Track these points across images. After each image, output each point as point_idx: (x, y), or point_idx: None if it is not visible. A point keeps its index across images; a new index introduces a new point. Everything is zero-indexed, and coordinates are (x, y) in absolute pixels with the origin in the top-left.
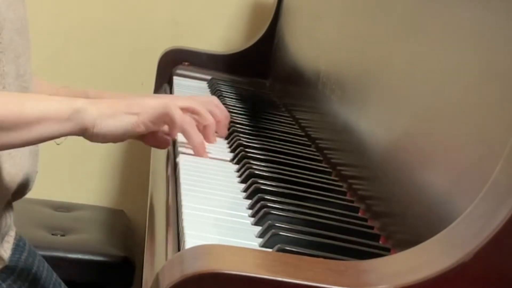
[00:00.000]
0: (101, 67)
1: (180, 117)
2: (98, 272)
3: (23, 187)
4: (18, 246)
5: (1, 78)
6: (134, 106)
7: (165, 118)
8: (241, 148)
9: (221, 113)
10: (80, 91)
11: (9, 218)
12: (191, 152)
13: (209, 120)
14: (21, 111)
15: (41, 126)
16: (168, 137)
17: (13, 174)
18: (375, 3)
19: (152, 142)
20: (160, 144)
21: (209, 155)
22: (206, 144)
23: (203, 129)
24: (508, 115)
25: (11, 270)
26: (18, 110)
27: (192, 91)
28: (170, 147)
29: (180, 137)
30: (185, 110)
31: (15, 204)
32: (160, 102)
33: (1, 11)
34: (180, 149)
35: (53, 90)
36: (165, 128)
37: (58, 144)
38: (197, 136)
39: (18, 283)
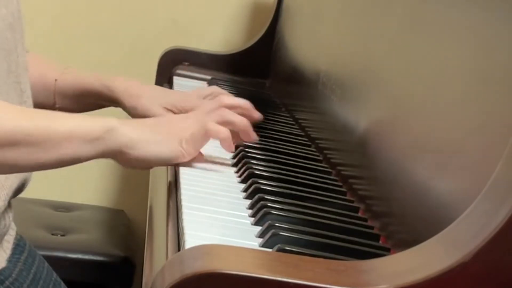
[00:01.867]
0: (101, 67)
1: (225, 133)
2: (98, 272)
3: (24, 180)
4: (18, 246)
5: None
6: (176, 132)
7: (208, 139)
8: (241, 148)
9: (242, 103)
10: (89, 74)
11: (9, 218)
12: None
13: (244, 124)
14: (50, 127)
15: (70, 145)
16: None
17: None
18: (375, 3)
19: None
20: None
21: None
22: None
23: (246, 115)
24: (508, 115)
25: (11, 269)
26: (47, 125)
27: None
28: None
29: None
30: (220, 123)
31: (15, 204)
32: (199, 126)
33: None
34: None
35: (57, 72)
36: None
37: None
38: (245, 128)
39: (18, 283)
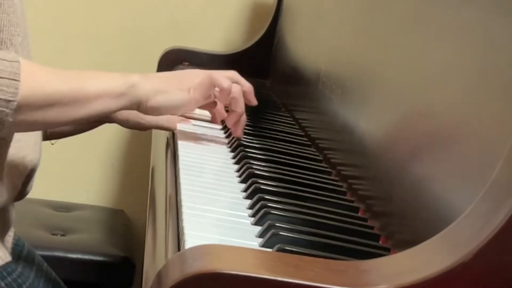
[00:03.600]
0: (101, 67)
1: (229, 85)
2: (98, 272)
3: (29, 177)
4: (17, 245)
5: (16, 27)
6: (185, 82)
7: (213, 89)
8: (241, 148)
9: (247, 85)
10: None
11: (11, 215)
12: (191, 154)
13: (248, 85)
14: (82, 88)
15: (100, 102)
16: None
17: (22, 166)
18: (375, 3)
19: (208, 108)
20: (214, 109)
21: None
22: (206, 144)
23: (245, 95)
24: (508, 115)
25: (11, 269)
26: (79, 87)
27: None
28: (170, 147)
29: (179, 136)
30: (228, 79)
31: (15, 204)
32: (206, 75)
33: None
34: (180, 148)
35: None
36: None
37: (52, 144)
38: (242, 106)
39: (24, 277)
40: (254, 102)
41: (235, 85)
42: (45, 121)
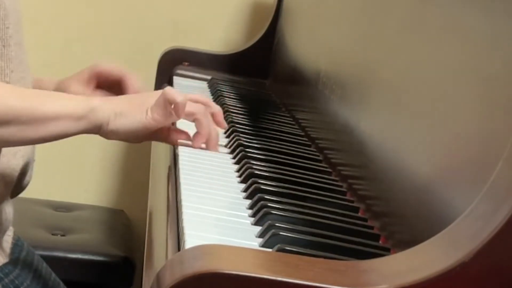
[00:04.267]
0: None
1: (183, 99)
2: (98, 272)
3: (23, 174)
4: (17, 245)
5: (9, 62)
6: (145, 103)
7: (169, 106)
8: (241, 148)
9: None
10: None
11: (10, 214)
12: (191, 154)
13: (216, 107)
14: (41, 107)
15: (58, 123)
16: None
17: (14, 162)
18: (375, 3)
19: (169, 138)
20: (177, 135)
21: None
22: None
23: (213, 117)
24: (508, 115)
25: (8, 270)
26: (37, 106)
27: (192, 91)
28: (170, 147)
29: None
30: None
31: (15, 204)
32: (159, 92)
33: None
34: (180, 148)
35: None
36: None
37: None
38: (208, 124)
39: (22, 278)
40: (223, 125)
41: (196, 105)
42: (0, 139)
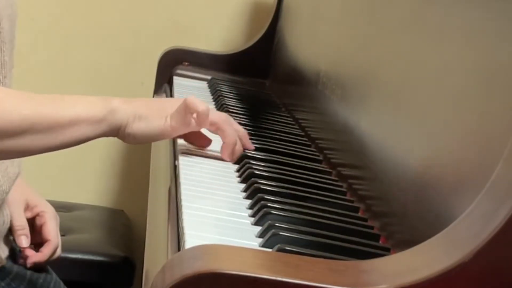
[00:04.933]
0: (101, 67)
1: (205, 108)
2: (98, 272)
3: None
4: (17, 246)
5: (2, 68)
6: (164, 110)
7: (190, 115)
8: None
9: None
10: None
11: (7, 215)
12: (191, 154)
13: (243, 131)
14: (56, 114)
15: (76, 128)
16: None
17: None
18: (375, 3)
19: (193, 140)
20: (200, 142)
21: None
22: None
23: (240, 140)
24: (508, 115)
25: (4, 273)
26: (52, 113)
27: (192, 91)
28: (170, 147)
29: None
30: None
31: None
32: (181, 99)
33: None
34: (179, 148)
35: None
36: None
37: None
38: (233, 133)
39: (18, 280)
40: (250, 147)
41: (219, 113)
42: (18, 150)
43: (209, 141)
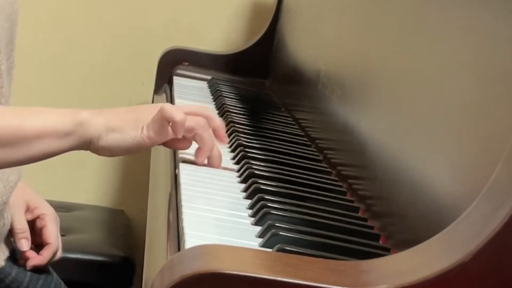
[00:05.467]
0: (101, 67)
1: (182, 118)
2: (98, 272)
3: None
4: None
5: None
6: (140, 119)
7: (167, 124)
8: (241, 148)
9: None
10: None
11: (8, 217)
12: (191, 154)
13: (217, 120)
14: (19, 126)
15: (42, 142)
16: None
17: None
18: (375, 3)
19: (171, 145)
20: (179, 145)
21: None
22: None
23: (214, 132)
24: (508, 115)
25: (3, 275)
26: (15, 125)
27: (192, 91)
28: None
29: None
30: (188, 113)
31: None
32: (156, 107)
33: None
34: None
35: None
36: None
37: None
38: (210, 139)
39: (17, 282)
40: (225, 140)
41: (196, 118)
42: None
43: (189, 143)
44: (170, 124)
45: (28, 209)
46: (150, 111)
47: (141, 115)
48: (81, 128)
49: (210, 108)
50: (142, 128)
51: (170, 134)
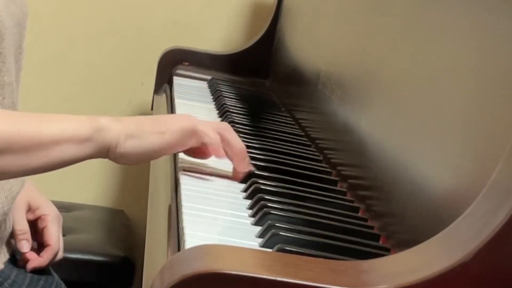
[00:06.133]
0: (101, 67)
1: (209, 138)
2: (98, 272)
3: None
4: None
5: (0, 88)
6: (161, 125)
7: (192, 141)
8: None
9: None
10: None
11: (9, 221)
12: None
13: (240, 146)
14: (37, 132)
15: (60, 149)
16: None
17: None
18: (375, 3)
19: (192, 153)
20: (199, 155)
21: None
22: None
23: (235, 159)
24: (508, 115)
25: (2, 278)
26: (33, 131)
27: (192, 91)
28: None
29: None
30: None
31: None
32: (191, 123)
33: (1, 16)
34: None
35: None
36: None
37: None
38: (236, 145)
39: (17, 285)
40: (249, 167)
41: (217, 139)
42: None
43: (209, 154)
44: (201, 142)
45: (29, 209)
46: (173, 119)
47: (160, 122)
48: (100, 134)
49: (210, 108)
50: (164, 133)
51: (188, 146)
